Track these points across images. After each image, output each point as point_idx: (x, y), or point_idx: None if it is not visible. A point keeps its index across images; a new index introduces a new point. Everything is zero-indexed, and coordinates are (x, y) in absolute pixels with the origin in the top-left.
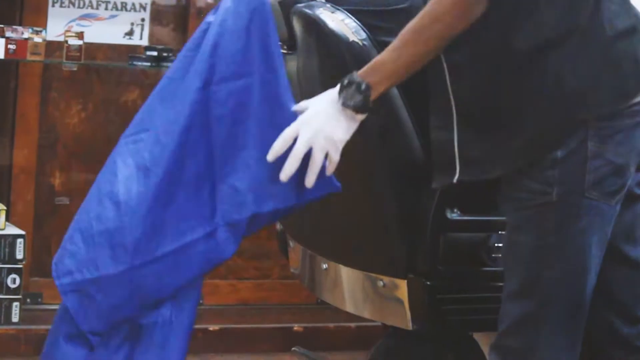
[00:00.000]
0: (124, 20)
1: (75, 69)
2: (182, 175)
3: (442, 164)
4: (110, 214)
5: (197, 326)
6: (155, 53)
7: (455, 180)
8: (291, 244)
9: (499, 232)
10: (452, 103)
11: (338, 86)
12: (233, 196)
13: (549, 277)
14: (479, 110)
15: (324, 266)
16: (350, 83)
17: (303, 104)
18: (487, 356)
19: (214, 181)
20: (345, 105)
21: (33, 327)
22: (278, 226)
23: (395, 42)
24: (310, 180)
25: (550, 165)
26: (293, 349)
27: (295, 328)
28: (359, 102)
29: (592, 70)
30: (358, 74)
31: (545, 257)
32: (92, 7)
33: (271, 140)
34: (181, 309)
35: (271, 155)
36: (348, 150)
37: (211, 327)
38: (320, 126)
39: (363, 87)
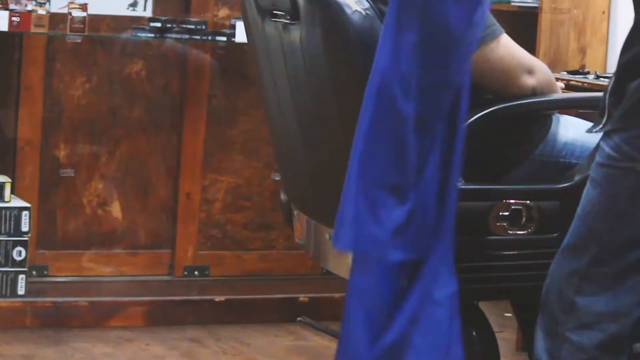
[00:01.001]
0: None
1: (79, 40)
2: None
3: (599, 112)
4: None
5: (202, 297)
6: (159, 24)
7: (597, 130)
8: (295, 213)
9: (502, 201)
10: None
11: None
12: None
13: (607, 238)
14: (626, 69)
15: (329, 236)
16: None
17: None
18: (492, 326)
19: None
20: None
21: (39, 299)
22: (283, 197)
23: None
24: None
25: None
26: (299, 319)
27: (301, 298)
28: None
29: None
30: None
31: (609, 218)
32: None
33: None
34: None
35: None
36: (353, 120)
37: (217, 298)
38: None
39: None
